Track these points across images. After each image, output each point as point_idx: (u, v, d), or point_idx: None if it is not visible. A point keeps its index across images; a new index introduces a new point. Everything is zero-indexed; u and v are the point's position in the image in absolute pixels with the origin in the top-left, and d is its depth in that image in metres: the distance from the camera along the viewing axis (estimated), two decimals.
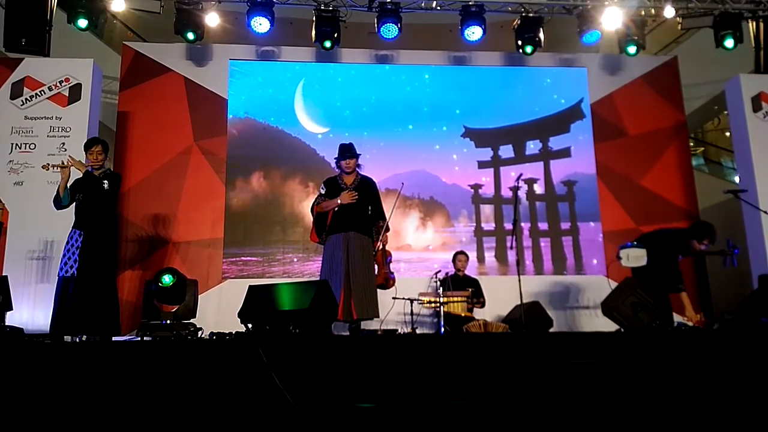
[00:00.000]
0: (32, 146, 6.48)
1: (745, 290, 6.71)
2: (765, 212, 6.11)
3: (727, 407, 3.13)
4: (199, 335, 5.18)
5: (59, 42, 6.83)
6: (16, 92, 6.60)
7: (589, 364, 3.41)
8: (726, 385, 3.29)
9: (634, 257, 5.52)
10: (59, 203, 4.79)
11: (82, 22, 6.52)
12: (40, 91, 6.63)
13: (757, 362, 3.45)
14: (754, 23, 7.25)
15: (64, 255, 4.68)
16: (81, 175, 4.79)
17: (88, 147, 4.86)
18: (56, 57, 6.72)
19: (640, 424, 3.01)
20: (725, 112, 8.18)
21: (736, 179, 8.25)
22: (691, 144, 9.24)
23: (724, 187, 7.33)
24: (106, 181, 4.74)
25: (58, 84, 6.66)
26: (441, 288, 5.83)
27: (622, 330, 4.80)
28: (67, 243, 4.71)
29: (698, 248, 5.28)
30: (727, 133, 9.18)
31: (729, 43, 7.08)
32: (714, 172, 9.85)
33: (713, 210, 8.10)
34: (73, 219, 4.78)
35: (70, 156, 4.85)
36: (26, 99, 6.60)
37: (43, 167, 4.85)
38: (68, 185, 4.79)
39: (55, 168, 4.76)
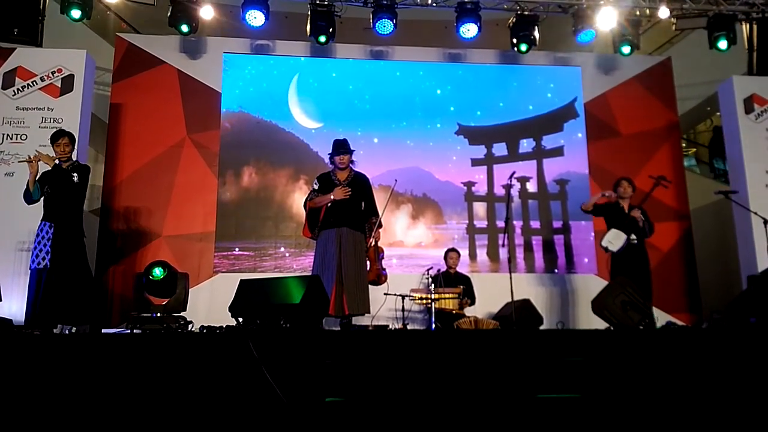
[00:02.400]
0: (23, 137, 6.43)
1: (735, 290, 6.77)
2: (755, 213, 6.15)
3: (714, 405, 3.15)
4: (189, 329, 5.17)
5: (52, 32, 6.80)
6: (7, 82, 6.54)
7: (577, 362, 3.43)
8: (714, 384, 3.32)
9: (615, 238, 5.71)
10: (29, 198, 4.85)
11: (76, 13, 6.47)
12: (32, 82, 6.58)
13: (745, 362, 3.47)
14: (748, 25, 7.29)
15: (35, 247, 4.73)
16: (50, 168, 4.80)
17: (54, 139, 4.89)
18: (49, 47, 6.68)
19: (628, 420, 3.03)
20: (718, 114, 8.22)
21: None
22: (684, 145, 9.29)
23: (716, 188, 7.37)
24: (75, 174, 4.78)
25: (51, 75, 6.61)
26: (432, 284, 5.84)
27: (612, 328, 4.83)
28: (38, 235, 4.75)
29: (626, 191, 5.86)
30: None
31: (722, 44, 7.11)
32: (705, 173, 9.91)
33: (704, 211, 8.16)
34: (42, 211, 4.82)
35: (37, 150, 4.91)
36: (18, 89, 6.55)
37: (19, 162, 4.87)
38: (37, 179, 4.82)
39: (24, 162, 4.78)
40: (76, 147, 5.03)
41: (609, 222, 5.85)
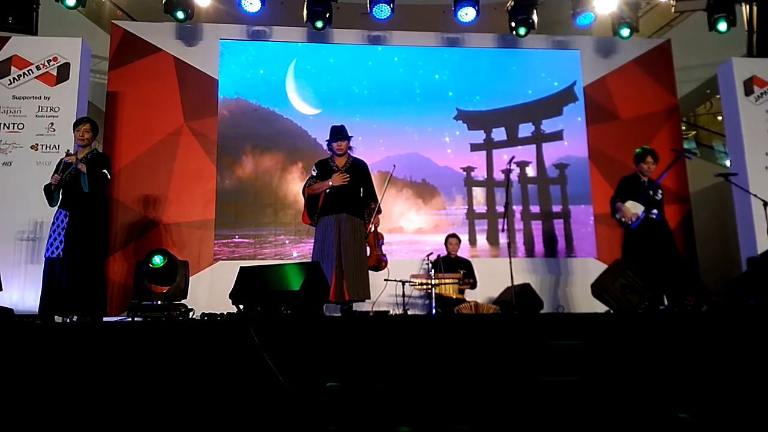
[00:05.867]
0: (20, 126, 6.41)
1: (734, 273, 6.78)
2: (755, 195, 6.14)
3: (715, 387, 3.17)
4: (190, 316, 5.19)
5: (47, 20, 6.74)
6: (3, 71, 6.50)
7: (578, 345, 3.44)
8: (714, 366, 3.33)
9: (631, 209, 5.40)
10: (49, 202, 4.81)
11: (71, 0, 6.42)
12: (27, 71, 6.54)
13: (744, 343, 3.49)
14: (747, 7, 7.25)
15: (50, 236, 4.71)
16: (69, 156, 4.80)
17: (75, 125, 4.91)
18: (44, 36, 6.64)
19: (629, 403, 3.04)
20: (717, 96, 8.18)
21: (727, 163, 8.28)
22: (683, 128, 9.26)
23: (715, 170, 7.34)
24: (105, 170, 4.78)
25: (46, 63, 6.57)
26: (432, 270, 5.85)
27: (612, 311, 4.84)
28: (53, 224, 4.72)
29: (647, 167, 5.56)
30: (719, 117, 9.20)
31: (722, 26, 7.06)
32: (705, 156, 9.88)
33: (704, 193, 8.15)
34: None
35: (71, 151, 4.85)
36: (14, 78, 6.51)
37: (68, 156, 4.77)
38: (59, 165, 4.85)
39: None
40: (97, 136, 5.02)
41: (627, 194, 5.48)
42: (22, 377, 3.04)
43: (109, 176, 4.83)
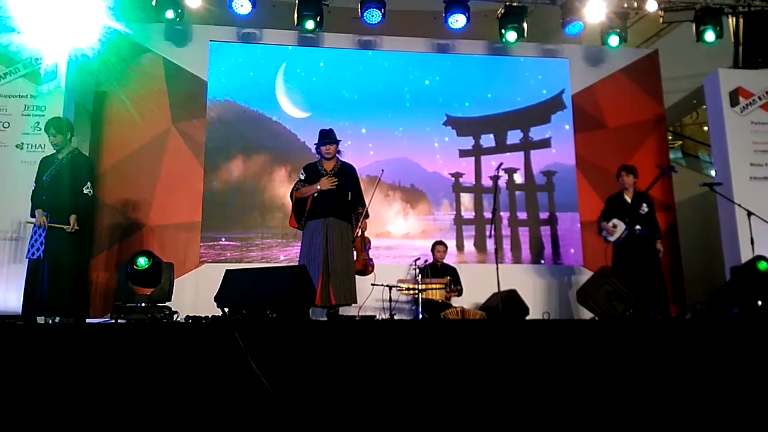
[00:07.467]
0: (6, 125, 6.34)
1: (718, 281, 6.84)
2: (739, 205, 6.22)
3: (697, 395, 3.19)
4: (174, 319, 5.14)
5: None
6: None
7: (563, 352, 3.45)
8: (697, 374, 3.35)
9: (615, 226, 5.64)
10: (32, 211, 4.75)
11: None
12: (14, 68, 6.47)
13: (728, 351, 3.51)
14: (734, 18, 7.34)
15: (31, 237, 4.66)
16: (51, 154, 4.80)
17: (45, 130, 4.85)
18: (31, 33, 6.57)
19: (611, 410, 3.05)
20: (704, 107, 8.27)
21: (712, 173, 8.37)
22: (670, 137, 9.35)
23: (701, 180, 7.43)
24: (86, 188, 4.73)
25: (33, 62, 6.50)
26: (420, 275, 5.85)
27: (597, 318, 4.87)
28: (34, 225, 4.66)
29: (626, 181, 5.82)
30: (705, 127, 9.30)
31: (709, 36, 7.15)
32: (691, 166, 9.98)
33: (689, 203, 8.23)
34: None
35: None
36: (0, 77, 6.44)
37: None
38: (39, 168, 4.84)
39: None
40: (73, 134, 4.95)
41: (611, 213, 5.82)
42: (4, 379, 3.00)
43: (91, 192, 4.77)
